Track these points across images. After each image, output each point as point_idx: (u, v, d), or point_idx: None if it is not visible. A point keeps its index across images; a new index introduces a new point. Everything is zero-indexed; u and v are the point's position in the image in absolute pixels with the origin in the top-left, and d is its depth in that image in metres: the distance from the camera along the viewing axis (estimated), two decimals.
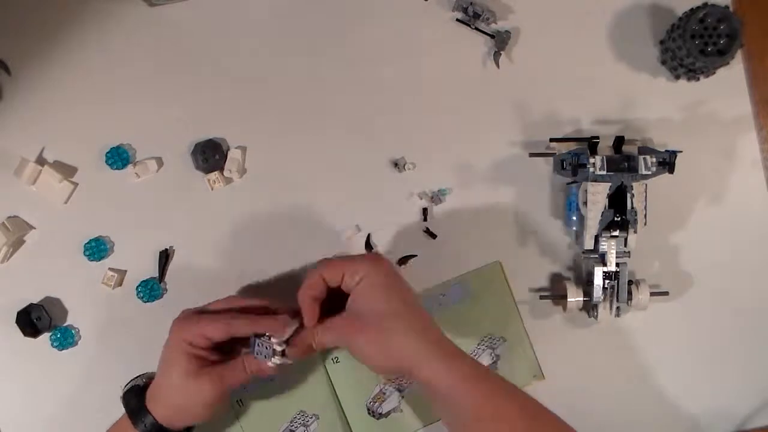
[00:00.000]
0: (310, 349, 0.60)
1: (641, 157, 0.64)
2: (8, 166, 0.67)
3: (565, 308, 0.68)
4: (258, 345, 0.59)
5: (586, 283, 0.68)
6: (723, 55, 0.65)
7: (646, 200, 0.65)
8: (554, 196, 0.70)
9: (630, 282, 0.66)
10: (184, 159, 0.69)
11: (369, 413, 0.69)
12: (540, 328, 0.70)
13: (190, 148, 0.69)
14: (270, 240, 0.69)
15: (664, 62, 0.70)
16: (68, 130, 0.68)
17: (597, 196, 0.64)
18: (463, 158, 0.70)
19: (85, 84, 0.69)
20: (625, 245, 0.65)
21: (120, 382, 0.66)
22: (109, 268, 0.68)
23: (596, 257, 0.66)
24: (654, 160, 0.64)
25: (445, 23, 0.70)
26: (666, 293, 0.69)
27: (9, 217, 0.68)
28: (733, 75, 0.70)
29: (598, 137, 0.66)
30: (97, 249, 0.68)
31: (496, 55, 0.69)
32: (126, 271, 0.69)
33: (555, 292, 0.70)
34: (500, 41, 0.69)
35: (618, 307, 0.67)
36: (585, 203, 0.65)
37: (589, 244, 0.65)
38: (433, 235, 0.70)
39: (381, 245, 0.70)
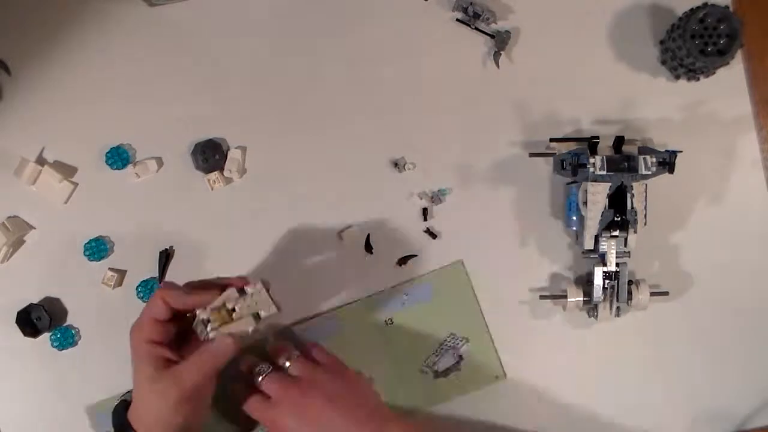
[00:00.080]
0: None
1: (641, 157, 0.64)
2: (8, 166, 0.68)
3: (565, 308, 0.68)
4: (196, 327, 0.59)
5: (586, 283, 0.68)
6: (723, 55, 0.65)
7: (646, 200, 0.65)
8: (554, 196, 0.70)
9: (630, 282, 0.66)
10: (184, 159, 0.69)
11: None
12: (540, 328, 0.70)
13: (190, 148, 0.69)
14: (270, 240, 0.69)
15: (664, 62, 0.70)
16: (68, 130, 0.69)
17: (597, 196, 0.64)
18: (463, 158, 0.70)
19: (85, 84, 0.69)
20: (625, 245, 0.65)
21: (120, 382, 0.66)
22: (109, 268, 0.68)
23: (596, 257, 0.66)
24: (654, 160, 0.64)
25: (445, 23, 0.70)
26: (666, 293, 0.69)
27: (9, 217, 0.68)
28: (733, 75, 0.70)
29: (598, 137, 0.66)
30: (97, 249, 0.68)
31: (496, 55, 0.69)
32: (126, 271, 0.69)
33: (555, 292, 0.70)
34: (500, 41, 0.69)
35: (618, 307, 0.67)
36: (585, 203, 0.64)
37: (589, 244, 0.65)
38: (433, 235, 0.70)
39: (381, 245, 0.70)
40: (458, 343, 0.69)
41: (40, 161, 0.68)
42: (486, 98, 0.70)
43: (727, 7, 0.68)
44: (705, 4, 0.66)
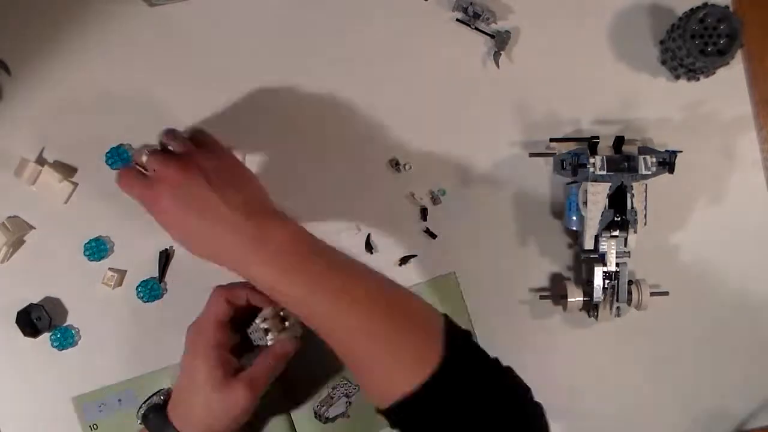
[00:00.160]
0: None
1: (641, 157, 0.64)
2: (8, 166, 0.67)
3: (565, 308, 0.68)
4: (252, 334, 0.61)
5: (586, 283, 0.68)
6: (723, 55, 0.65)
7: (646, 200, 0.65)
8: (554, 196, 0.70)
9: (630, 282, 0.66)
10: None
11: (316, 417, 0.69)
12: (540, 328, 0.70)
13: None
14: None
15: (664, 62, 0.70)
16: (68, 130, 0.68)
17: (597, 196, 0.64)
18: (463, 158, 0.70)
19: (85, 84, 0.69)
20: (625, 245, 0.65)
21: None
22: (109, 268, 0.68)
23: (596, 257, 0.66)
24: (654, 160, 0.64)
25: (445, 23, 0.70)
26: (666, 293, 0.69)
27: (9, 217, 0.68)
28: (733, 75, 0.70)
29: (598, 137, 0.66)
30: (97, 249, 0.68)
31: (496, 55, 0.69)
32: (126, 271, 0.69)
33: (555, 292, 0.70)
34: (500, 41, 0.69)
35: (618, 307, 0.67)
36: (585, 203, 0.65)
37: (589, 244, 0.65)
38: (433, 235, 0.70)
39: (381, 245, 0.70)
40: None
41: (40, 161, 0.68)
42: (486, 98, 0.70)
43: (727, 7, 0.68)
44: (705, 4, 0.66)
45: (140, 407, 0.62)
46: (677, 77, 0.70)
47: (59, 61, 0.68)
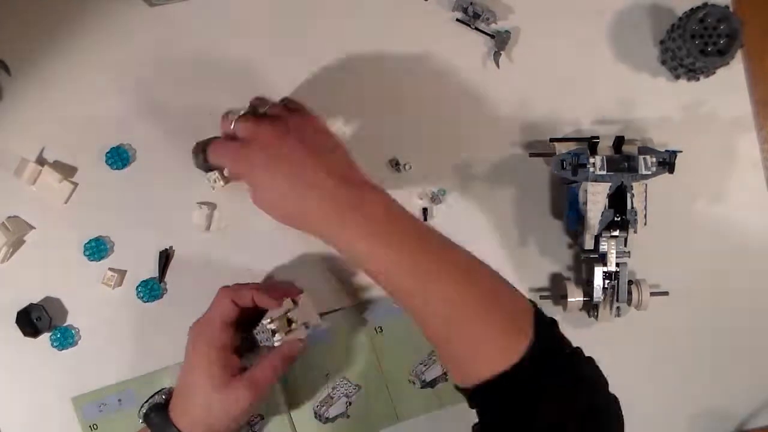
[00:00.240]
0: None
1: (641, 157, 0.64)
2: (8, 166, 0.67)
3: (565, 308, 0.68)
4: (258, 335, 0.60)
5: (586, 283, 0.68)
6: (723, 55, 0.65)
7: (646, 200, 0.65)
8: (554, 196, 0.70)
9: (630, 282, 0.66)
10: (185, 158, 0.69)
11: (316, 417, 0.69)
12: None
13: (191, 147, 0.68)
14: (270, 239, 0.69)
15: (664, 62, 0.70)
16: (68, 130, 0.68)
17: (597, 196, 0.64)
18: (463, 158, 0.70)
19: (85, 84, 0.69)
20: (625, 245, 0.65)
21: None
22: (109, 268, 0.68)
23: (596, 257, 0.66)
24: (654, 160, 0.64)
25: (445, 23, 0.70)
26: (666, 293, 0.69)
27: (9, 217, 0.68)
28: (733, 75, 0.70)
29: (598, 137, 0.66)
30: (97, 249, 0.68)
31: (496, 55, 0.69)
32: (126, 271, 0.69)
33: (555, 292, 0.70)
34: (500, 41, 0.69)
35: (618, 307, 0.67)
36: (585, 203, 0.65)
37: (589, 244, 0.65)
38: None
39: None
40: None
41: (40, 161, 0.68)
42: (486, 98, 0.70)
43: (727, 7, 0.68)
44: (705, 4, 0.66)
45: (142, 406, 0.62)
46: (677, 77, 0.70)
47: (59, 61, 0.68)
